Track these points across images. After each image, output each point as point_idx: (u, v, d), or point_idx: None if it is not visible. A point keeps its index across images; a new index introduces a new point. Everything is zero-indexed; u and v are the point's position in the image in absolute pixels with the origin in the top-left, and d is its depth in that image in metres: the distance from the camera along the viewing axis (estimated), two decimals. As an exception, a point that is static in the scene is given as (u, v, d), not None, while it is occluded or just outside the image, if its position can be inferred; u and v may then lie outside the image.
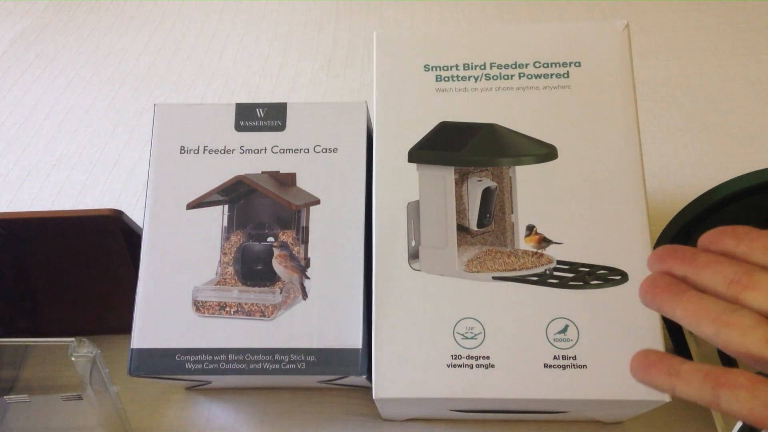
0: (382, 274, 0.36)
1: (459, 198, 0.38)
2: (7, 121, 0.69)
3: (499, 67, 0.39)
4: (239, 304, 0.39)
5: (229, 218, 0.40)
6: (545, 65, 0.39)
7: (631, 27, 0.44)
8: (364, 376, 0.36)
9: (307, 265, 0.39)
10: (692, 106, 0.65)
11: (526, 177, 0.37)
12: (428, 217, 0.37)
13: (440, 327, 0.35)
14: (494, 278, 0.36)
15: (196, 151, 0.41)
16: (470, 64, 0.39)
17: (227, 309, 0.39)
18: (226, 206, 0.40)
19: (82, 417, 0.41)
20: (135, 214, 0.46)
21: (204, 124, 0.42)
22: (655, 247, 0.34)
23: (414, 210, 0.37)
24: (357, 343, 0.37)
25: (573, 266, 0.36)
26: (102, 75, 0.74)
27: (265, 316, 0.38)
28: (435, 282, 0.36)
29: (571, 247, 0.36)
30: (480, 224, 0.38)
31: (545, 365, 0.34)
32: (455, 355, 0.35)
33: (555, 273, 0.36)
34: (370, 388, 0.35)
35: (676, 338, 0.44)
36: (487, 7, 0.79)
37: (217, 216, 0.40)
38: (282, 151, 0.41)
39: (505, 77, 0.39)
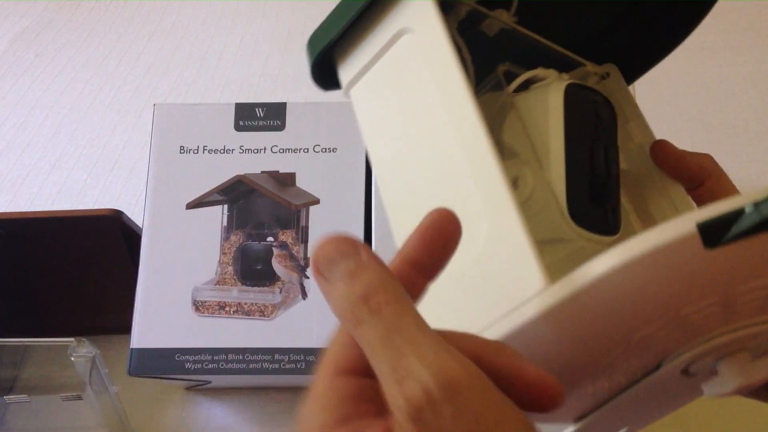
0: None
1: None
2: (7, 121, 0.69)
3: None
4: (239, 303, 0.39)
5: (229, 218, 0.40)
6: None
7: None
8: (364, 376, 0.36)
9: (307, 264, 0.39)
10: (692, 106, 0.65)
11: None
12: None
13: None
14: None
15: (195, 151, 0.41)
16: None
17: (227, 309, 0.39)
18: (226, 206, 0.40)
19: (82, 417, 0.41)
20: (135, 214, 0.46)
21: (203, 123, 0.42)
22: None
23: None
24: (357, 342, 0.37)
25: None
26: (102, 75, 0.74)
27: (264, 315, 0.38)
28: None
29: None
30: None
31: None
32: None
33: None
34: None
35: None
36: (487, 7, 0.79)
37: (216, 216, 0.40)
38: (281, 150, 0.41)
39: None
